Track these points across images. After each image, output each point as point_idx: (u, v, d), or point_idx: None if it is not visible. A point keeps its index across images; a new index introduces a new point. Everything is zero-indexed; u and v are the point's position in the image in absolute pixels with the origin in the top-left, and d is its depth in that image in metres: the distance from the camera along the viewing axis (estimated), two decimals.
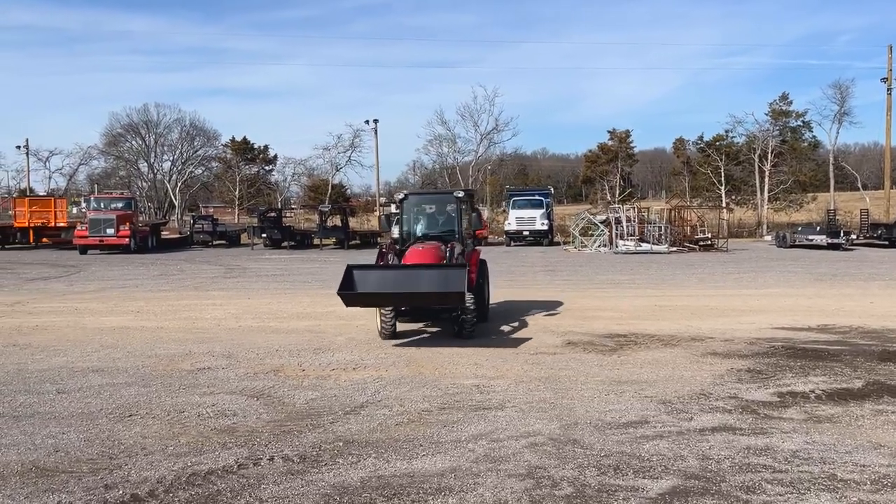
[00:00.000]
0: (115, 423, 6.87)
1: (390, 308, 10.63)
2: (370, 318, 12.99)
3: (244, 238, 43.28)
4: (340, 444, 6.22)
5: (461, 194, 12.60)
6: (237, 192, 62.60)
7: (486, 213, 46.05)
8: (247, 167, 67.09)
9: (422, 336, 11.38)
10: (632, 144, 68.14)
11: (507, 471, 5.55)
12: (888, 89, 45.47)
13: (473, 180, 58.14)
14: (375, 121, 56.58)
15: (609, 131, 68.00)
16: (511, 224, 39.67)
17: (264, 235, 39.03)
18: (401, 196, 12.39)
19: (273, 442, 6.30)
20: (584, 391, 7.90)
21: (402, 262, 11.33)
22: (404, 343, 10.70)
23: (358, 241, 41.24)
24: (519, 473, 5.49)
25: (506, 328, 12.10)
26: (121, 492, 5.19)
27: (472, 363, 9.33)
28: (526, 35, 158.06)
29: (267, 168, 69.83)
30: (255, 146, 68.23)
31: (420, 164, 73.12)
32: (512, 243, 39.27)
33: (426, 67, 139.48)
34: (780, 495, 5.02)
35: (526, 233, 39.44)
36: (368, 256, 32.24)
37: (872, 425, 6.59)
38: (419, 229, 12.65)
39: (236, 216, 61.32)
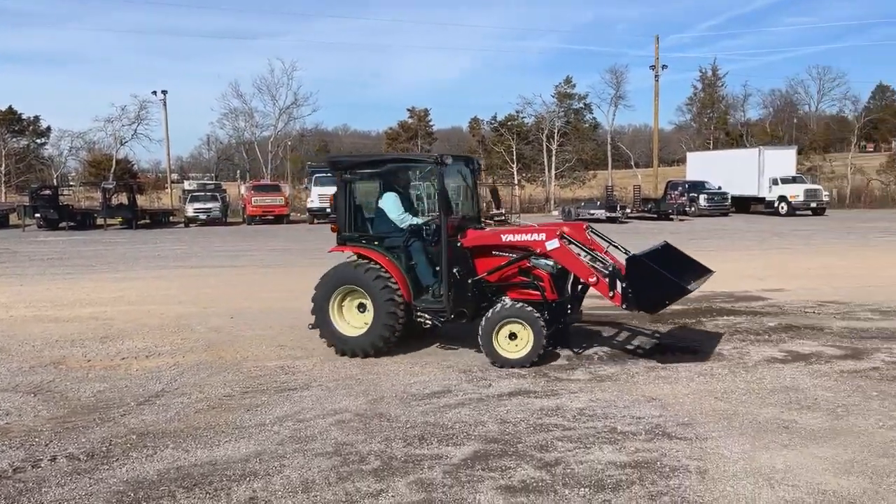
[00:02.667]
0: None
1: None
2: (163, 303, 12.28)
3: (14, 219, 38.97)
4: (134, 436, 5.84)
5: (482, 161, 9.59)
6: (3, 168, 56.12)
7: (287, 191, 45.08)
8: (14, 140, 60.24)
9: (224, 319, 10.92)
10: (430, 123, 69.72)
11: (314, 450, 5.51)
12: (656, 76, 50.07)
13: (273, 156, 56.55)
14: (164, 92, 53.05)
15: (409, 109, 69.08)
16: (314, 201, 39.01)
17: (38, 215, 35.32)
18: (448, 160, 8.42)
19: (55, 440, 5.77)
20: (389, 365, 8.02)
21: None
22: (204, 328, 10.22)
23: (148, 221, 38.62)
24: (326, 452, 5.48)
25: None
26: None
27: (275, 344, 9.13)
28: (326, 9, 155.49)
29: (39, 141, 63.19)
30: (24, 117, 61.48)
31: (215, 138, 69.83)
32: (316, 221, 38.77)
33: (220, 38, 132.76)
34: (569, 451, 5.43)
35: (330, 210, 39.08)
36: (160, 237, 30.44)
37: (646, 381, 7.31)
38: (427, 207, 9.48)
39: (3, 195, 54.97)
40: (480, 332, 7.87)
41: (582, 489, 4.75)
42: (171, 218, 41.21)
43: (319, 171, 42.18)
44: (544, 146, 57.96)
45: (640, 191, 45.98)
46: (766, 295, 12.28)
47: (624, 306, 7.69)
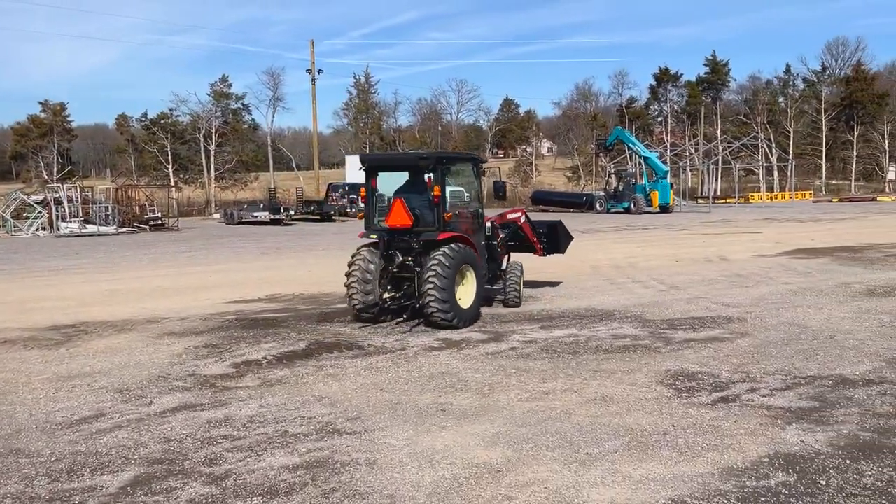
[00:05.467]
0: None
1: None
2: None
3: None
4: None
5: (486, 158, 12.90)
6: None
7: None
8: None
9: None
10: (69, 118, 62.80)
11: None
12: (312, 80, 51.05)
13: None
14: None
15: (41, 102, 61.37)
16: None
17: None
18: (486, 158, 11.75)
19: None
20: (26, 393, 7.03)
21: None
22: None
23: None
24: None
25: None
26: None
27: None
28: None
29: None
30: None
31: None
32: None
33: None
34: (241, 461, 5.27)
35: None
36: None
37: (315, 381, 7.40)
38: None
39: None
40: (514, 286, 11.21)
41: (255, 498, 4.64)
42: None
43: None
44: (202, 146, 55.78)
45: (302, 193, 46.50)
46: None
47: (544, 254, 12.58)
